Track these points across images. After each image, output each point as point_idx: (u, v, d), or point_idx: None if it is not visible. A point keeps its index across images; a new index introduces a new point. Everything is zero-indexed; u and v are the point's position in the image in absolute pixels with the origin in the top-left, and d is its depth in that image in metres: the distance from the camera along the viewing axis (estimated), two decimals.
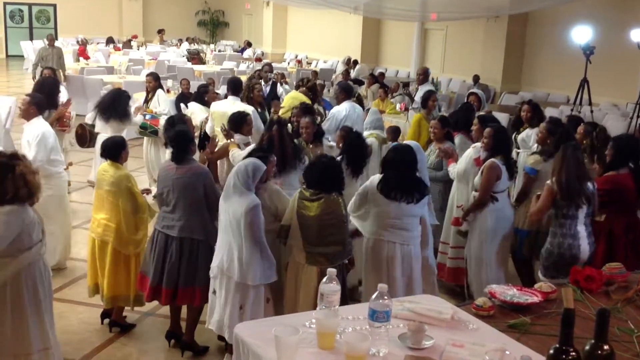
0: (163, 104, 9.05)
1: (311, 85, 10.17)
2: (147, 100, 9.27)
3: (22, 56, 24.29)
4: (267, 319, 3.57)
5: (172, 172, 5.01)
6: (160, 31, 26.28)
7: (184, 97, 9.51)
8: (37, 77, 13.59)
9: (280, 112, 8.68)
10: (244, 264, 4.45)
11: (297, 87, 10.25)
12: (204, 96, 8.25)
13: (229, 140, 6.46)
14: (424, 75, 10.32)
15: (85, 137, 8.00)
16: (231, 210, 4.45)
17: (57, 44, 23.43)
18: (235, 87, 8.06)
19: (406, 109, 10.55)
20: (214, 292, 4.69)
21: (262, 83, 10.75)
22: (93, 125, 7.96)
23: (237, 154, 6.09)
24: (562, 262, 4.81)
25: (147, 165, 8.76)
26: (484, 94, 15.24)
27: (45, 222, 6.15)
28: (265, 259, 4.51)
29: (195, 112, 8.03)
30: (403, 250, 4.90)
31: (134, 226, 5.30)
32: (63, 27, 28.17)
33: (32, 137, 6.22)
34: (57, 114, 7.77)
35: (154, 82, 9.24)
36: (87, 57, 19.07)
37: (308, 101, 8.94)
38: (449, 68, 19.10)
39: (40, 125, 6.35)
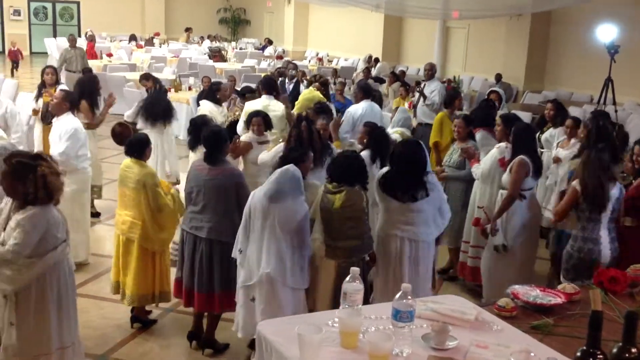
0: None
1: (324, 80, 10.20)
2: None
3: (46, 53, 24.50)
4: (290, 317, 3.56)
5: (204, 173, 4.95)
6: (188, 29, 26.38)
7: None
8: (62, 80, 13.69)
9: (295, 110, 8.65)
10: (296, 268, 4.44)
11: (309, 84, 10.27)
12: (216, 94, 8.23)
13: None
14: (431, 71, 10.23)
15: (127, 135, 8.05)
16: (280, 215, 4.39)
17: (80, 41, 23.82)
18: (268, 85, 8.05)
19: (414, 107, 10.43)
20: (253, 299, 4.59)
21: (286, 81, 10.79)
22: (134, 124, 8.03)
23: (266, 156, 6.09)
24: (582, 266, 4.75)
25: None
26: (506, 92, 15.22)
27: (67, 217, 6.24)
28: (308, 261, 4.54)
29: (212, 114, 7.98)
30: (412, 246, 4.81)
31: (158, 224, 5.28)
32: (86, 25, 28.35)
33: (64, 132, 6.32)
34: (107, 107, 7.93)
35: (153, 84, 9.35)
36: (95, 55, 18.94)
37: (324, 99, 8.96)
38: (471, 66, 18.98)
39: (71, 121, 6.47)
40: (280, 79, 11.09)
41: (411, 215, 4.79)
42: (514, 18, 16.54)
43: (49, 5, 29.02)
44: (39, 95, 8.35)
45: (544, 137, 7.76)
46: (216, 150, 4.99)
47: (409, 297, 2.75)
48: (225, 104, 8.87)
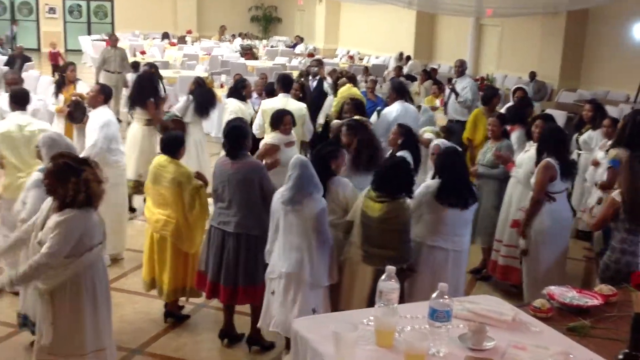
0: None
1: (351, 76, 10.19)
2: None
3: (80, 50, 24.83)
4: (325, 314, 3.56)
5: (228, 168, 4.98)
6: (222, 27, 26.52)
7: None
8: (101, 80, 13.67)
9: (333, 109, 8.65)
10: (315, 265, 4.45)
11: (336, 80, 10.20)
12: (242, 91, 8.24)
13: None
14: (461, 68, 10.12)
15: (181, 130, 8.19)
16: (300, 212, 4.43)
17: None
18: (285, 83, 8.04)
19: (445, 104, 10.32)
20: (272, 292, 4.63)
21: (310, 78, 10.76)
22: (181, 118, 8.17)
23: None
24: (619, 278, 4.62)
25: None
26: (541, 91, 15.03)
27: (102, 212, 6.30)
28: (332, 259, 4.54)
29: (240, 111, 8.00)
30: (454, 257, 4.83)
31: (189, 223, 5.29)
32: (120, 23, 28.72)
33: (97, 124, 6.40)
34: (162, 103, 8.07)
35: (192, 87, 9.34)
36: None
37: (361, 97, 8.93)
38: (505, 64, 18.76)
39: (105, 114, 6.54)
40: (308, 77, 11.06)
41: (460, 224, 4.83)
42: (549, 16, 16.32)
43: (83, 4, 29.38)
44: (58, 91, 8.42)
45: (582, 138, 7.62)
46: (237, 144, 5.03)
47: (446, 296, 2.74)
48: (250, 101, 8.94)
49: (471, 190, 4.85)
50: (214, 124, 11.62)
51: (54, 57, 18.13)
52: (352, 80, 9.86)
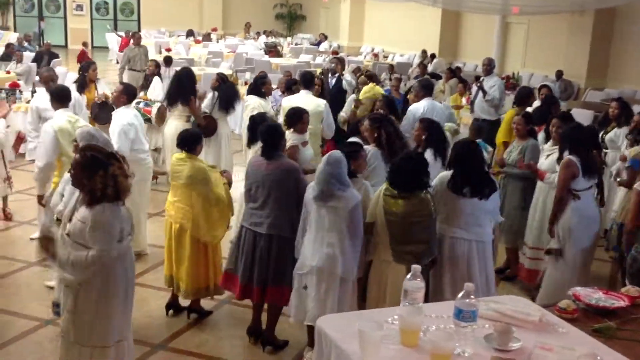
0: (158, 91, 9.08)
1: (370, 74, 10.15)
2: (144, 87, 9.37)
3: (107, 47, 25.07)
4: (349, 312, 3.55)
5: (262, 168, 4.95)
6: (247, 24, 26.61)
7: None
8: (125, 79, 13.48)
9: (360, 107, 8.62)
10: (346, 259, 4.44)
11: (357, 78, 10.16)
12: (261, 88, 8.22)
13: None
14: (489, 66, 10.02)
15: (213, 126, 8.25)
16: (332, 207, 4.43)
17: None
18: (307, 81, 8.03)
19: (471, 102, 10.23)
20: (305, 287, 4.63)
21: (329, 76, 10.73)
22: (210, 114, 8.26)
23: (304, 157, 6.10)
24: None
25: None
26: (567, 89, 14.86)
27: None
28: (360, 254, 4.53)
29: (260, 107, 7.99)
30: (479, 248, 4.79)
31: (209, 219, 5.30)
32: (146, 20, 28.97)
33: (117, 126, 6.44)
34: (200, 100, 8.15)
35: (155, 69, 9.32)
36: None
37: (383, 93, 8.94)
38: (531, 63, 18.59)
39: (126, 116, 6.56)
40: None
41: (480, 214, 4.76)
42: (576, 14, 16.14)
43: (110, 1, 29.68)
44: (80, 92, 8.45)
45: (608, 137, 7.52)
46: (273, 145, 4.99)
47: (472, 296, 2.71)
48: (272, 97, 8.94)
49: (489, 180, 4.77)
50: (237, 121, 11.65)
51: (82, 55, 18.21)
52: (373, 78, 9.81)
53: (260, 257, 4.95)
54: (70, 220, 3.92)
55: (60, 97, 6.39)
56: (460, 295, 2.72)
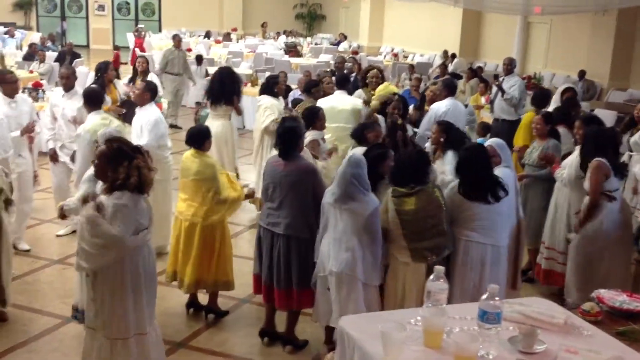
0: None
1: (375, 70, 10.11)
2: (134, 81, 9.36)
3: (128, 47, 25.23)
4: (372, 313, 3.54)
5: (280, 169, 4.94)
6: (263, 24, 26.65)
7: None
8: (163, 82, 13.07)
9: (372, 107, 8.56)
10: (367, 264, 4.43)
11: (365, 73, 10.06)
12: (274, 87, 8.19)
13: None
14: (510, 66, 9.93)
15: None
16: (349, 214, 4.41)
17: (160, 36, 24.37)
18: (342, 81, 8.00)
19: (491, 102, 10.15)
20: (328, 289, 4.61)
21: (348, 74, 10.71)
22: None
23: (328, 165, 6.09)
24: None
25: None
26: (590, 90, 14.71)
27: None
28: (380, 259, 4.51)
29: (274, 108, 7.98)
30: (493, 252, 4.72)
31: (220, 212, 5.34)
32: (166, 20, 29.13)
33: (145, 123, 6.48)
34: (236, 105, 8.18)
35: (146, 65, 9.26)
36: (143, 50, 18.77)
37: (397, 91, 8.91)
38: (553, 63, 18.43)
39: (153, 112, 6.62)
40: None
41: (495, 218, 4.69)
42: (599, 13, 15.95)
43: (131, 1, 29.90)
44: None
45: (633, 139, 7.39)
46: (290, 145, 4.97)
47: (496, 298, 2.69)
48: (291, 97, 8.92)
49: (499, 184, 4.69)
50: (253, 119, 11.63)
51: (117, 59, 18.06)
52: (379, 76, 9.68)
53: (279, 258, 4.93)
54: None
55: (92, 100, 6.43)
56: (484, 296, 2.70)
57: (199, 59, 15.05)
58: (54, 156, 7.16)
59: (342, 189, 4.45)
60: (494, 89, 10.14)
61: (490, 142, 5.29)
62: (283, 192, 4.91)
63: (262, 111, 7.84)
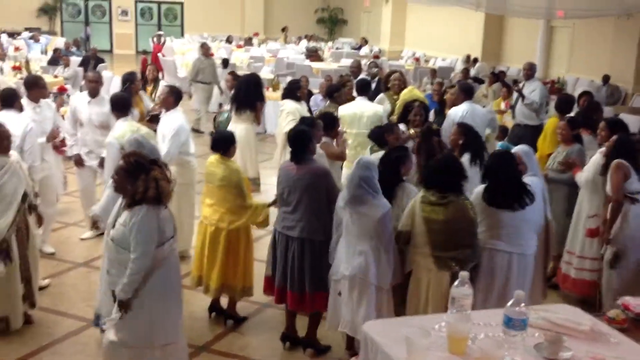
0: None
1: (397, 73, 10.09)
2: (145, 89, 9.38)
3: (151, 52, 25.42)
4: (396, 318, 3.53)
5: (293, 173, 4.95)
6: (284, 29, 26.73)
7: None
8: (193, 92, 13.45)
9: (396, 111, 8.53)
10: (380, 268, 4.42)
11: (387, 77, 10.03)
12: (296, 92, 8.19)
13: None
14: (530, 71, 9.86)
15: None
16: (363, 215, 4.42)
17: (183, 41, 24.52)
18: (363, 87, 8.01)
19: (512, 107, 10.09)
20: (339, 293, 4.62)
21: (369, 79, 10.68)
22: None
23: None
24: None
25: None
26: (614, 95, 14.55)
27: (172, 210, 6.38)
28: (396, 262, 4.51)
29: (297, 112, 7.97)
30: (520, 261, 4.66)
31: (245, 216, 5.36)
32: (189, 25, 29.34)
33: (168, 130, 6.52)
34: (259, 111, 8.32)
35: (156, 73, 9.32)
36: (156, 59, 18.59)
37: (424, 99, 8.86)
38: (576, 67, 18.28)
39: (177, 118, 6.65)
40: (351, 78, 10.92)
41: (522, 225, 4.64)
42: (623, 17, 15.81)
43: (154, 6, 30.15)
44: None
45: None
46: (302, 149, 4.99)
47: (522, 304, 2.67)
48: (313, 101, 8.95)
49: (526, 191, 4.64)
50: (274, 124, 11.67)
51: (144, 64, 18.04)
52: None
53: (293, 261, 4.95)
54: (113, 226, 3.99)
55: (120, 106, 6.46)
56: (510, 303, 2.68)
57: (225, 62, 15.08)
58: (79, 161, 7.19)
59: (351, 192, 4.46)
60: (515, 94, 10.09)
61: (516, 149, 5.25)
62: (297, 196, 4.92)
63: (284, 116, 7.87)
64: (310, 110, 9.00)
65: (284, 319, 5.38)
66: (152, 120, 7.54)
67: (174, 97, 6.76)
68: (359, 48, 24.70)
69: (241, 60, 19.35)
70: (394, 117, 8.33)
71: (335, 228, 4.69)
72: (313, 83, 12.45)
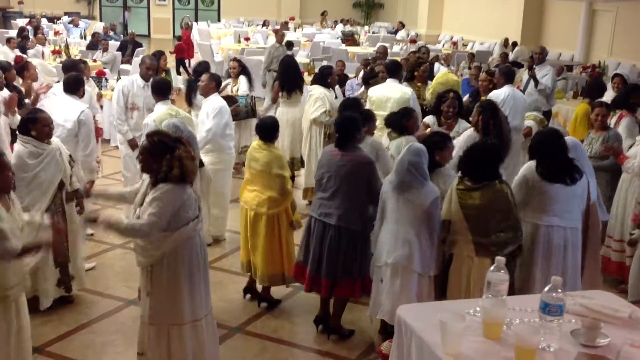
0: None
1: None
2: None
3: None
4: (431, 303, 3.51)
5: (337, 159, 4.91)
6: (324, 13, 26.61)
7: (339, 79, 9.49)
8: (268, 81, 12.60)
9: (428, 95, 8.44)
10: (423, 255, 4.41)
11: (415, 62, 9.89)
12: (327, 78, 8.06)
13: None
14: (542, 54, 9.68)
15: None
16: (411, 201, 4.39)
17: (219, 25, 24.55)
18: (393, 69, 7.91)
19: (522, 91, 9.89)
20: (381, 280, 4.60)
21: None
22: None
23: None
24: None
25: None
26: None
27: (211, 195, 6.43)
28: (439, 250, 4.48)
29: (326, 98, 7.89)
30: (573, 235, 4.65)
31: (286, 202, 5.40)
32: (226, 10, 29.37)
33: (211, 110, 6.60)
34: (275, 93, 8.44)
35: (239, 68, 9.10)
36: (191, 44, 18.46)
37: (457, 82, 8.77)
38: (618, 51, 17.85)
39: (218, 100, 6.75)
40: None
41: (572, 200, 4.62)
42: None
43: None
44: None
45: None
46: (348, 136, 4.94)
47: (559, 290, 2.62)
48: (348, 85, 8.92)
49: (575, 166, 4.62)
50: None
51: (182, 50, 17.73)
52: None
53: (329, 249, 4.92)
54: (141, 205, 4.03)
55: (159, 90, 6.51)
56: (547, 288, 2.63)
57: (289, 45, 14.60)
58: (136, 145, 7.03)
59: (399, 177, 4.42)
60: (525, 78, 9.90)
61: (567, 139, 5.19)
62: (337, 182, 4.89)
63: (312, 101, 7.82)
64: (344, 95, 8.97)
65: (317, 302, 5.39)
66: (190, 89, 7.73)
67: (214, 82, 6.84)
68: (396, 32, 24.45)
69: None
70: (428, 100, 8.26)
71: (379, 214, 4.66)
72: (350, 67, 12.38)
